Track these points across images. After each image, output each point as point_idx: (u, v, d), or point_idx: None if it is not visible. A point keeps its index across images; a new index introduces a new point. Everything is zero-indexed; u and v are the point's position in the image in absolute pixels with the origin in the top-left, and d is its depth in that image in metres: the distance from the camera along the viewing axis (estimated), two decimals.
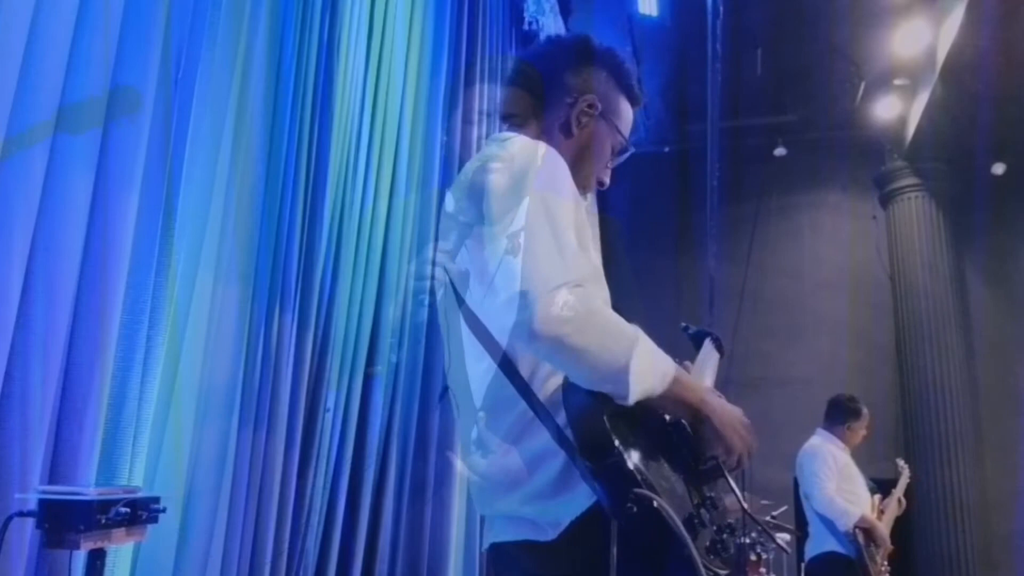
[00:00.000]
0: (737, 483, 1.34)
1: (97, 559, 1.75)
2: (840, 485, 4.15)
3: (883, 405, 7.78)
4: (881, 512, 4.25)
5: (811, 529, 4.31)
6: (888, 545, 4.09)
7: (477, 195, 1.30)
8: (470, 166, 1.38)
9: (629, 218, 8.88)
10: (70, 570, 1.71)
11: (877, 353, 8.17)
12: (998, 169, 7.87)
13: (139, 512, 1.80)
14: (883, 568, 4.07)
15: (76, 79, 2.05)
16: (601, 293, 1.35)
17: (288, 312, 2.97)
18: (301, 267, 3.06)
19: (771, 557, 5.34)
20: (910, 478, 4.62)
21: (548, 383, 1.25)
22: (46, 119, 1.98)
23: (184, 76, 2.46)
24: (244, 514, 2.72)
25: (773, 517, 5.47)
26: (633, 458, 1.14)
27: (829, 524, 4.12)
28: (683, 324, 1.63)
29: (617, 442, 1.14)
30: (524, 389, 1.25)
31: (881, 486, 4.50)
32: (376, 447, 3.60)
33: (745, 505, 1.35)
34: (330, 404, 3.29)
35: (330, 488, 3.30)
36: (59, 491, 1.76)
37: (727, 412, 1.29)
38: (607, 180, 1.57)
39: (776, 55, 7.13)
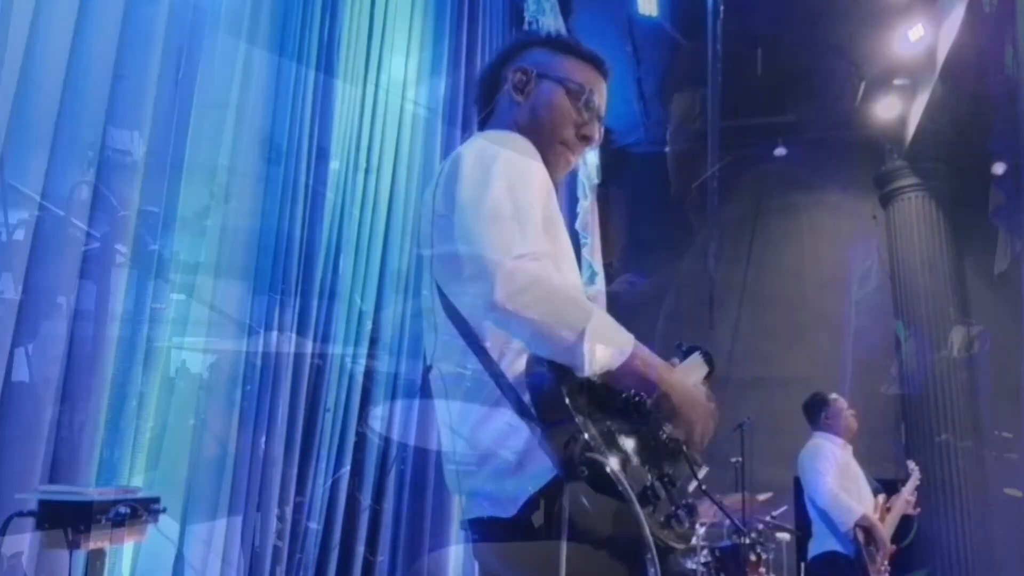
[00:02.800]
0: (694, 463, 1.36)
1: (97, 559, 1.75)
2: (842, 483, 4.15)
3: (883, 405, 7.77)
4: (887, 509, 4.24)
5: (813, 528, 4.31)
6: (888, 546, 4.08)
7: (451, 186, 1.36)
8: (445, 163, 1.45)
9: (629, 218, 8.87)
10: (70, 570, 1.71)
11: (877, 353, 8.17)
12: (998, 169, 7.87)
13: (139, 512, 1.80)
14: (883, 568, 4.06)
15: (76, 79, 2.05)
16: (569, 276, 1.40)
17: (288, 312, 2.97)
18: (301, 267, 3.06)
19: (771, 557, 5.34)
20: (919, 481, 4.60)
21: (516, 363, 1.28)
22: (47, 118, 1.98)
23: (184, 76, 2.46)
24: (244, 514, 2.71)
25: (773, 517, 5.47)
26: (587, 425, 1.18)
27: (830, 523, 4.12)
28: (677, 342, 1.65)
29: (572, 408, 1.18)
30: (493, 369, 1.30)
31: (883, 485, 4.50)
32: (376, 447, 3.60)
33: (701, 482, 1.37)
34: (330, 404, 3.29)
35: (330, 488, 3.30)
36: (59, 491, 1.76)
37: (687, 390, 1.32)
38: (593, 134, 1.58)
39: (776, 55, 7.12)
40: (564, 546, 1.18)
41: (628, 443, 1.24)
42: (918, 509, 4.44)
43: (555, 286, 1.22)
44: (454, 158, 1.41)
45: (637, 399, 1.27)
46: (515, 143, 1.41)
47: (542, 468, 1.22)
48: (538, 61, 1.58)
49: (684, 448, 1.32)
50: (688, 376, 1.52)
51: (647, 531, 1.14)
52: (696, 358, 1.59)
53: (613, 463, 1.15)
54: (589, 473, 1.14)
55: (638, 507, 1.14)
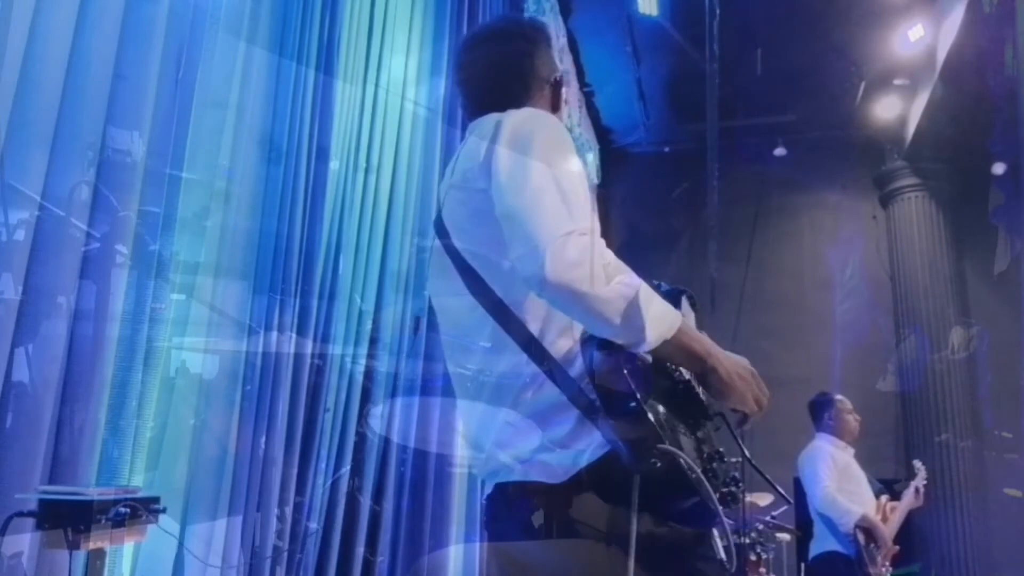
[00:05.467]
0: (745, 443, 1.37)
1: (97, 559, 1.75)
2: (842, 485, 4.15)
3: (883, 405, 7.77)
4: (892, 507, 4.25)
5: (814, 529, 4.32)
6: (889, 546, 4.08)
7: (487, 161, 1.34)
8: (478, 134, 1.42)
9: (629, 218, 8.87)
10: (70, 570, 1.71)
11: (877, 353, 8.17)
12: (998, 169, 7.87)
13: (139, 512, 1.80)
14: (883, 569, 4.06)
15: (76, 79, 2.05)
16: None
17: (288, 312, 2.97)
18: (301, 267, 3.06)
19: (771, 557, 5.34)
20: (926, 480, 4.60)
21: (558, 342, 1.28)
22: (47, 118, 1.98)
23: (184, 76, 2.46)
24: (244, 514, 2.72)
25: (773, 517, 5.46)
26: (654, 414, 1.17)
27: (830, 524, 4.12)
28: (655, 281, 1.64)
29: (640, 397, 1.17)
30: (536, 350, 1.28)
31: (884, 486, 4.51)
32: (376, 447, 3.61)
33: (747, 454, 1.38)
34: (330, 404, 3.29)
35: (330, 488, 3.30)
36: (59, 491, 1.76)
37: (733, 362, 1.31)
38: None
39: (776, 55, 7.11)
40: (633, 538, 1.18)
41: (681, 426, 1.24)
42: (920, 500, 4.45)
43: (603, 261, 1.22)
44: (492, 132, 1.37)
45: (684, 383, 1.27)
46: (551, 121, 1.42)
47: (596, 441, 1.21)
48: (555, 66, 1.63)
49: (731, 428, 1.33)
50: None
51: (724, 519, 1.16)
52: (684, 305, 1.59)
53: (681, 452, 1.15)
54: (661, 465, 1.14)
55: (715, 498, 1.16)
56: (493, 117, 1.42)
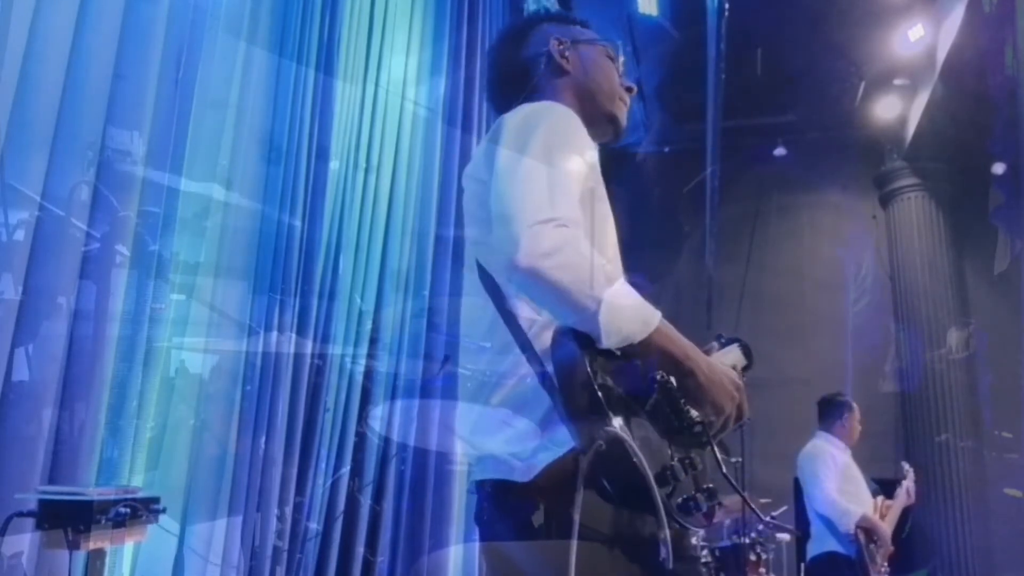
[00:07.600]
0: (728, 455, 1.35)
1: (97, 559, 1.75)
2: (841, 486, 4.16)
3: (883, 405, 7.77)
4: (887, 507, 4.26)
5: (812, 529, 4.32)
6: (889, 545, 4.09)
7: (491, 153, 1.35)
8: (492, 128, 1.44)
9: (629, 218, 8.87)
10: (70, 570, 1.71)
11: (877, 353, 8.17)
12: (998, 169, 7.87)
13: (139, 512, 1.81)
14: (883, 569, 4.07)
15: (76, 79, 2.05)
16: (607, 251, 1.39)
17: (288, 312, 2.97)
18: (301, 267, 3.06)
19: (771, 557, 5.34)
20: (914, 478, 4.62)
21: (544, 333, 1.27)
22: (47, 118, 1.98)
23: (184, 76, 2.46)
24: (244, 514, 2.72)
25: (773, 517, 5.47)
26: (610, 401, 1.16)
27: (829, 524, 4.13)
28: (718, 333, 1.63)
29: (595, 383, 1.16)
30: (521, 337, 1.29)
31: (881, 486, 4.51)
32: (376, 447, 3.61)
33: (726, 471, 1.36)
34: (330, 404, 3.29)
35: (330, 488, 3.30)
36: (59, 491, 1.76)
37: (715, 370, 1.29)
38: (632, 84, 1.67)
39: (776, 55, 7.11)
40: (577, 517, 1.16)
41: (650, 421, 1.22)
42: (912, 498, 4.46)
43: (580, 253, 1.20)
44: (496, 126, 1.40)
45: (663, 378, 1.24)
46: (559, 113, 1.41)
47: (561, 438, 1.21)
48: (563, 32, 1.61)
49: (709, 434, 1.29)
50: (723, 360, 1.51)
51: (661, 508, 1.13)
52: (734, 349, 1.57)
53: (632, 438, 1.13)
54: (607, 448, 1.13)
55: (654, 484, 1.13)
56: (507, 113, 1.45)
